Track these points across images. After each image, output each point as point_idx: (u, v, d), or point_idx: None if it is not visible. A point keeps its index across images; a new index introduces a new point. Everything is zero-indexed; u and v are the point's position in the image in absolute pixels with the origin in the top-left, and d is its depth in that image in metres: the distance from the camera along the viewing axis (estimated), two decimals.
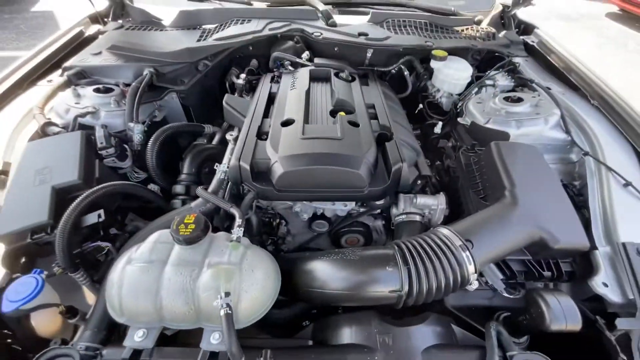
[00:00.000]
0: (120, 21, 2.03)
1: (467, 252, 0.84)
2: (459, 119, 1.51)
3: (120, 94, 1.49)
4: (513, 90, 1.61)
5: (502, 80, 1.63)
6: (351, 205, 1.18)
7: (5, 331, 0.95)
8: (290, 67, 1.64)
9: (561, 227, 0.95)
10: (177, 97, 1.66)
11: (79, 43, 1.87)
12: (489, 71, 1.67)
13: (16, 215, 1.01)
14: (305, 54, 1.69)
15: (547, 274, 1.00)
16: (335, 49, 1.75)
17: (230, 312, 0.74)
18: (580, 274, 1.01)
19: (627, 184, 1.13)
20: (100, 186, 1.06)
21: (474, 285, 0.86)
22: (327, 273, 0.90)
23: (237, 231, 0.90)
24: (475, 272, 0.84)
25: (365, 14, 1.98)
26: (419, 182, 1.18)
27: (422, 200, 1.13)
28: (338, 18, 1.88)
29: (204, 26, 1.88)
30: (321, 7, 1.87)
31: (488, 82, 1.62)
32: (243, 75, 1.68)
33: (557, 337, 0.83)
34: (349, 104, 1.31)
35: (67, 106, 1.40)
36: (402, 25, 1.89)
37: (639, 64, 5.20)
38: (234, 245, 0.87)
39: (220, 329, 0.78)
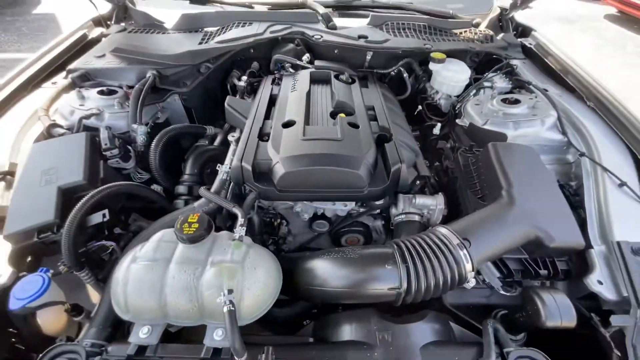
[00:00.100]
0: (123, 24, 2.05)
1: (465, 251, 0.86)
2: (457, 121, 1.53)
3: (124, 96, 1.51)
4: (510, 92, 1.63)
5: (500, 82, 1.65)
6: (351, 205, 1.20)
7: (10, 330, 0.96)
8: (291, 70, 1.66)
9: (557, 226, 0.96)
10: (180, 99, 1.68)
11: (82, 46, 1.89)
12: (486, 73, 1.69)
13: (23, 215, 1.02)
14: (306, 57, 1.71)
15: (543, 272, 1.01)
16: (336, 52, 1.76)
17: (233, 309, 0.76)
18: (576, 272, 1.02)
19: (622, 184, 1.14)
20: (105, 186, 1.07)
21: (472, 283, 0.88)
22: (327, 271, 0.91)
23: (240, 230, 0.91)
24: (473, 271, 0.86)
25: (365, 17, 2.00)
26: (418, 182, 1.20)
27: (421, 200, 1.14)
28: (338, 21, 1.90)
29: (205, 29, 1.89)
30: (321, 10, 1.89)
31: (486, 84, 1.63)
32: (244, 78, 1.70)
33: (554, 334, 0.84)
34: (349, 106, 1.33)
35: (71, 108, 1.42)
36: (401, 28, 1.91)
37: (637, 66, 5.22)
38: (236, 244, 0.88)
39: (223, 325, 0.80)
